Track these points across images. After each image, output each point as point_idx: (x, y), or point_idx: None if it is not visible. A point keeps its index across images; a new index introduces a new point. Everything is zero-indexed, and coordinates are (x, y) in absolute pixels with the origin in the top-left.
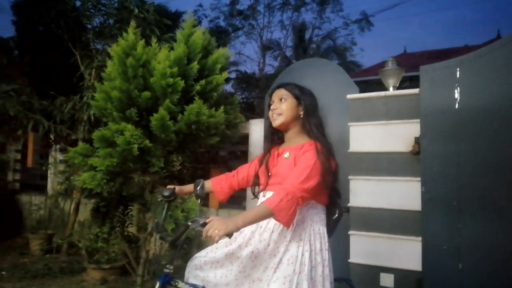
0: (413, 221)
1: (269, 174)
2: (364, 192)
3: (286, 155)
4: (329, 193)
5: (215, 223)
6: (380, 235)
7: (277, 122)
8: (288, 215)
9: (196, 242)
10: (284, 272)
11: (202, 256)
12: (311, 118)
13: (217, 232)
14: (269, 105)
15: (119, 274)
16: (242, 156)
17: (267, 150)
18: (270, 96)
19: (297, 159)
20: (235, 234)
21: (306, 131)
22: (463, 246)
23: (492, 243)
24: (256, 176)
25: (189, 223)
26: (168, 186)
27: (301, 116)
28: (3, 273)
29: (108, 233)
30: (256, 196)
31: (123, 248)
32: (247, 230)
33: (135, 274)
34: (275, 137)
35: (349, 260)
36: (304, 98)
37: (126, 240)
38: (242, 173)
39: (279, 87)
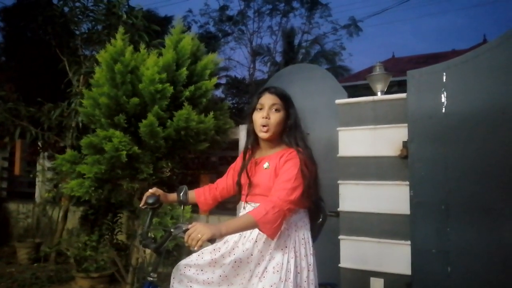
0: (402, 225)
1: (248, 184)
2: (353, 197)
3: (266, 165)
4: (311, 197)
5: (198, 227)
6: (370, 240)
7: (266, 134)
8: (274, 228)
9: (186, 249)
10: (270, 281)
11: (187, 261)
12: (296, 130)
13: (199, 236)
14: (255, 108)
15: (108, 282)
16: (232, 162)
17: (245, 157)
18: (258, 98)
19: (278, 169)
20: (218, 244)
21: (286, 142)
22: (452, 250)
23: (480, 247)
24: (238, 185)
25: (172, 230)
26: (151, 190)
27: (287, 128)
28: None
29: (97, 241)
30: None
31: (112, 256)
32: (231, 240)
33: (125, 282)
34: (253, 142)
35: (339, 265)
36: (293, 111)
37: (115, 248)
38: (221, 184)
39: (271, 92)
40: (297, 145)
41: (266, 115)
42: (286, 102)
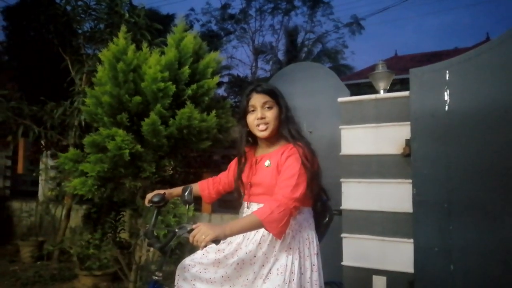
0: (405, 223)
1: (250, 184)
2: (356, 195)
3: (267, 163)
4: (315, 194)
5: (202, 228)
6: (372, 238)
7: (265, 133)
8: (280, 227)
9: (188, 248)
10: (274, 282)
11: (192, 260)
12: (290, 122)
13: (203, 237)
14: (246, 111)
15: (111, 280)
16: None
17: (243, 156)
18: (247, 100)
19: (280, 166)
20: (222, 245)
21: (285, 136)
22: (454, 248)
23: (482, 245)
24: (237, 191)
25: (176, 230)
26: (157, 191)
27: (282, 122)
28: None
29: (100, 239)
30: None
31: (115, 254)
32: (234, 241)
33: (127, 281)
34: (249, 140)
35: (342, 263)
36: (283, 103)
37: (118, 246)
38: (224, 179)
39: (258, 91)
40: (293, 137)
41: (261, 115)
42: (275, 97)
